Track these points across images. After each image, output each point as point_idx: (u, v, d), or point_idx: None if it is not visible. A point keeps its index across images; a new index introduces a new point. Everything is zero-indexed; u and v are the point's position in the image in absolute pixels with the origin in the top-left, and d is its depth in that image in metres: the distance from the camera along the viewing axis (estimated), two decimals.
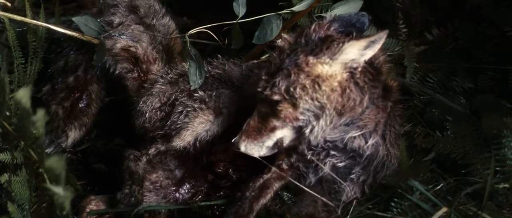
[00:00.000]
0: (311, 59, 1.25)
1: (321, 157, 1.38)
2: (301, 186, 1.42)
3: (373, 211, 1.47)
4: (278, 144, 1.36)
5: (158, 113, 1.59)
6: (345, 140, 1.35)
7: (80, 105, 1.74)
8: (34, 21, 1.69)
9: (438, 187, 1.51)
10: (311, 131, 1.32)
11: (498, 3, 1.91)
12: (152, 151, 1.54)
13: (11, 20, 1.69)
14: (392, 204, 1.46)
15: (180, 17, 2.05)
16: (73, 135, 1.74)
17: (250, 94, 1.47)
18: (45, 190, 1.03)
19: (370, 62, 1.27)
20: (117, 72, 1.69)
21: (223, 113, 1.53)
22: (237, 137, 1.38)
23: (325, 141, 1.35)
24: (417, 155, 1.62)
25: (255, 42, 1.66)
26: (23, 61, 1.70)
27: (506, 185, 1.46)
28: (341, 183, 1.41)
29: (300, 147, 1.38)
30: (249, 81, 1.57)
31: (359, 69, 1.26)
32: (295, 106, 1.29)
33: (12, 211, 1.30)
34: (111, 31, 1.64)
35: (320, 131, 1.32)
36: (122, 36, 1.64)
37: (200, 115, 1.52)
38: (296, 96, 1.27)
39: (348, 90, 1.27)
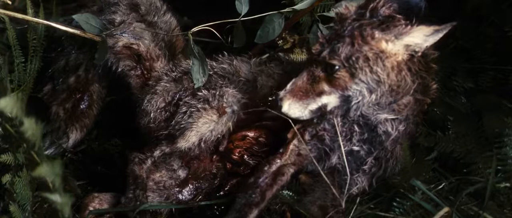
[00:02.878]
0: (377, 33, 1.25)
1: (351, 130, 1.37)
2: (318, 166, 1.40)
3: (375, 210, 1.47)
4: (321, 108, 1.35)
5: (162, 112, 1.58)
6: (379, 120, 1.34)
7: (81, 106, 1.73)
8: (36, 19, 1.67)
9: (440, 187, 1.51)
10: (358, 102, 1.31)
11: (498, 3, 1.91)
12: (156, 153, 1.52)
13: (11, 18, 1.67)
14: (394, 203, 1.46)
15: (181, 17, 2.03)
16: (74, 136, 1.72)
17: (262, 87, 1.46)
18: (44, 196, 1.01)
19: (424, 54, 1.28)
20: (119, 70, 1.67)
21: (227, 112, 1.52)
22: (280, 93, 1.35)
23: (361, 114, 1.34)
24: (419, 154, 1.62)
25: (257, 41, 1.64)
26: (23, 60, 1.69)
27: (508, 184, 1.47)
28: (353, 173, 1.40)
29: (335, 112, 1.36)
30: (262, 74, 1.56)
31: (419, 54, 1.27)
32: (352, 75, 1.28)
33: (14, 211, 1.29)
34: (112, 30, 1.62)
35: (367, 104, 1.31)
36: (124, 35, 1.63)
37: (203, 115, 1.50)
38: (357, 66, 1.26)
39: (403, 73, 1.27)
